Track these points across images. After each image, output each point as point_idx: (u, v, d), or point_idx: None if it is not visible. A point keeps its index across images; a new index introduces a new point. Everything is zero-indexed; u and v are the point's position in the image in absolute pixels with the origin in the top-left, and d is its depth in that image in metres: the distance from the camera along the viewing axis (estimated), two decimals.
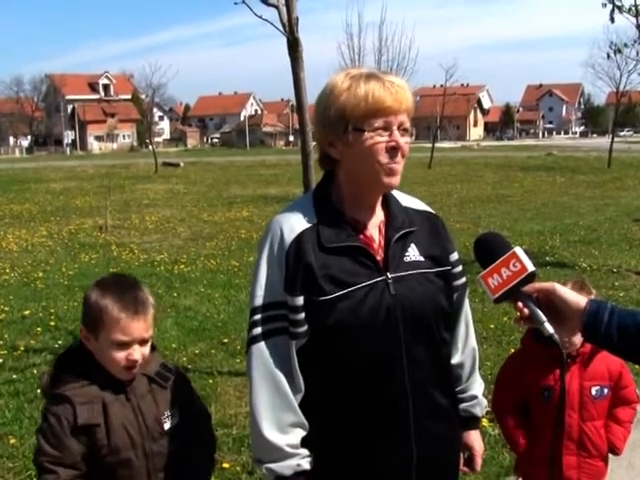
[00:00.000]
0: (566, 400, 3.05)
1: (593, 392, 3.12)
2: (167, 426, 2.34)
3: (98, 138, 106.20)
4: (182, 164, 48.58)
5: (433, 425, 2.23)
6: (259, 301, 2.15)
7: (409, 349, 2.15)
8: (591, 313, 1.82)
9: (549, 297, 1.89)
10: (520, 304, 1.90)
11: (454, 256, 2.34)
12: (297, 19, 5.55)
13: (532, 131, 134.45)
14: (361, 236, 2.18)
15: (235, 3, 5.62)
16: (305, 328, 2.13)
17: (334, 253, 2.12)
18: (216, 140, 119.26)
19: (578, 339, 2.99)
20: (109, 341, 2.23)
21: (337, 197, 2.21)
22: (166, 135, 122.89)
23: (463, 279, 2.38)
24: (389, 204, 2.26)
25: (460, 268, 2.36)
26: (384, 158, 2.10)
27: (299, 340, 2.14)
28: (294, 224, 2.15)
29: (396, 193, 2.32)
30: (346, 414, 2.17)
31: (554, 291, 1.89)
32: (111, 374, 2.27)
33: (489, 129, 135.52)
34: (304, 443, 2.16)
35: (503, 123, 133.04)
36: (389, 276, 2.14)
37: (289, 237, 2.13)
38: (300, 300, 2.11)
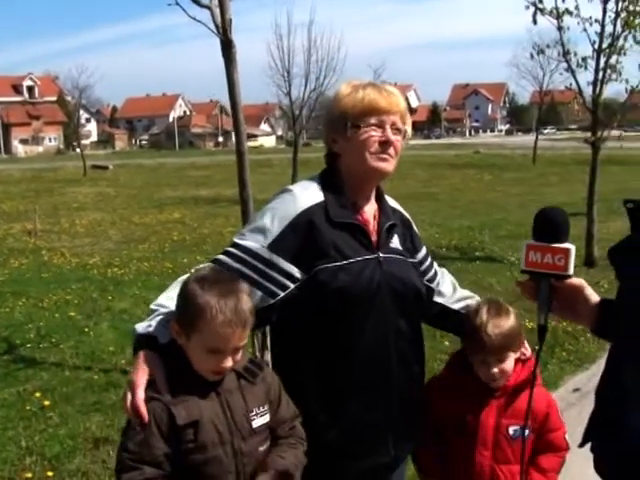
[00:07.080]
0: (478, 436, 2.68)
1: (510, 431, 2.68)
2: (256, 424, 2.20)
3: (23, 141, 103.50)
4: (111, 167, 47.84)
5: (409, 390, 2.46)
6: (241, 240, 2.37)
7: (395, 321, 2.42)
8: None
9: (573, 291, 2.09)
10: (536, 286, 2.06)
11: (421, 254, 2.67)
12: (231, 20, 5.58)
13: (459, 129, 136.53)
14: (359, 217, 2.46)
15: (169, 4, 5.62)
16: (274, 285, 2.32)
17: (339, 228, 2.37)
18: (145, 142, 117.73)
19: (508, 369, 2.66)
20: (203, 345, 2.10)
21: (339, 184, 2.47)
22: (94, 137, 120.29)
23: (431, 272, 2.71)
24: (382, 199, 2.59)
25: (426, 265, 2.69)
26: (376, 149, 2.41)
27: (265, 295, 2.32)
28: (307, 195, 2.41)
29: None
30: (334, 376, 2.36)
31: (582, 290, 2.09)
32: None
33: (417, 128, 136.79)
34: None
35: (430, 122, 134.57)
36: (380, 255, 2.42)
37: (300, 205, 2.37)
38: (280, 261, 2.31)
